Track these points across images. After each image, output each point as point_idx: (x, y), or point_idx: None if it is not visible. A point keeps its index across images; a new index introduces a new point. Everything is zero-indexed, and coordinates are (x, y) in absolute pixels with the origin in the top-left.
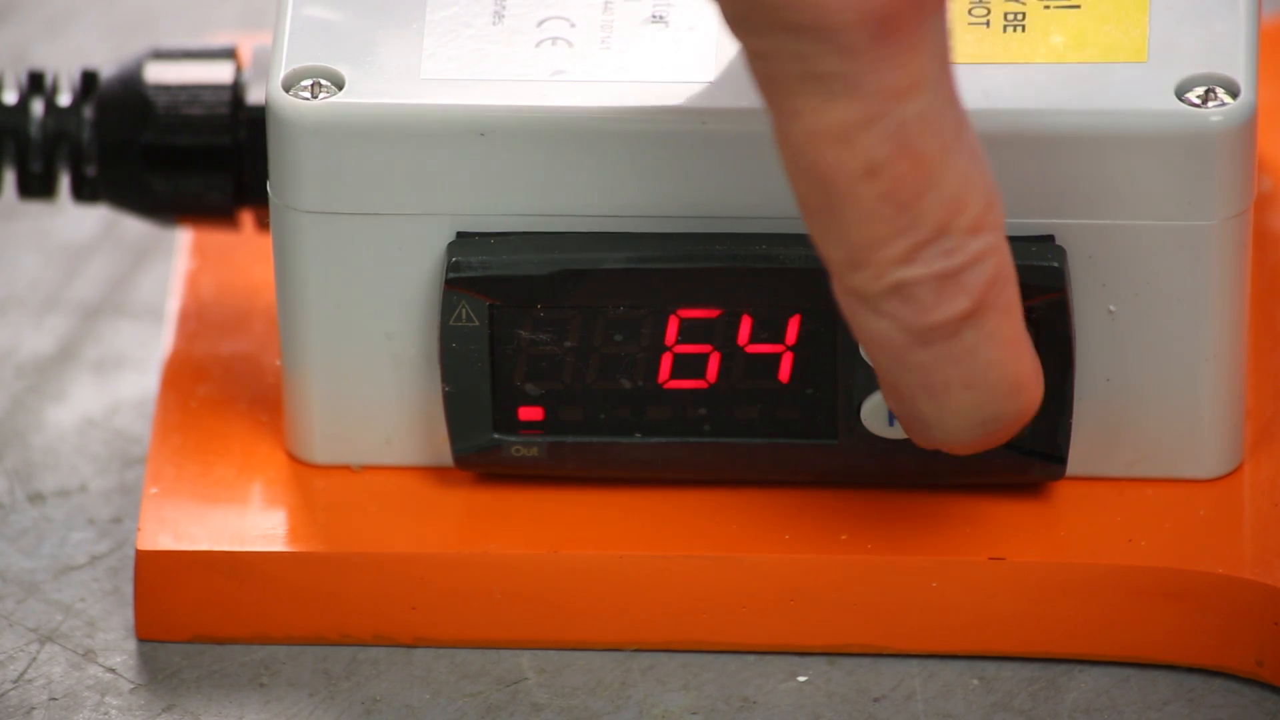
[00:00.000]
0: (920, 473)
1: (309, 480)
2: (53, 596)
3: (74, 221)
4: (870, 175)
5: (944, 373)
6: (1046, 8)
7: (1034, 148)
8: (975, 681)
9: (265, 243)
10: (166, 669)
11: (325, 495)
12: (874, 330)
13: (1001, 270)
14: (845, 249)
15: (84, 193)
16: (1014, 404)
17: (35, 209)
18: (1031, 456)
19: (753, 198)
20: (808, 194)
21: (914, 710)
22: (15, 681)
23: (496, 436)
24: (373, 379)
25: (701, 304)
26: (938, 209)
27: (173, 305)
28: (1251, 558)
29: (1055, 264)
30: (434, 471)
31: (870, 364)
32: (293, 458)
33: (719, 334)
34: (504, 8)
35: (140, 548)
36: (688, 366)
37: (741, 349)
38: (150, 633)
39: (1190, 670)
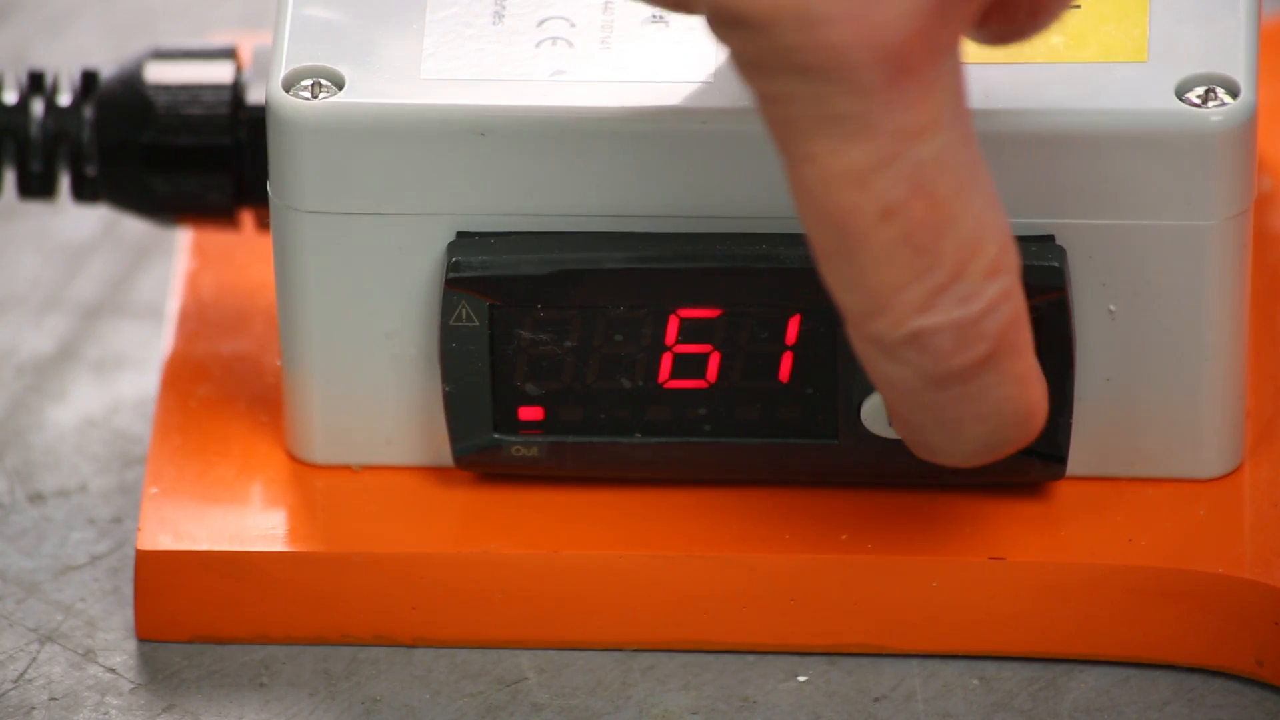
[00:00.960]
0: (920, 473)
1: (309, 480)
2: (53, 596)
3: (74, 221)
4: (886, 218)
5: (957, 409)
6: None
7: (1034, 148)
8: (975, 681)
9: (265, 243)
10: (166, 669)
11: (325, 495)
12: (890, 375)
13: (1017, 312)
14: (862, 295)
15: (84, 193)
16: (1023, 430)
17: (35, 209)
18: (1031, 456)
19: (753, 198)
20: (823, 239)
21: (914, 710)
22: (15, 681)
23: (496, 436)
24: (373, 379)
25: (701, 304)
26: (955, 251)
27: (173, 305)
28: (1251, 558)
29: (1055, 264)
30: (434, 471)
31: (882, 398)
32: (293, 458)
33: (719, 334)
34: (504, 8)
35: (140, 548)
36: (688, 366)
37: (741, 349)
38: (150, 633)
39: (1190, 670)
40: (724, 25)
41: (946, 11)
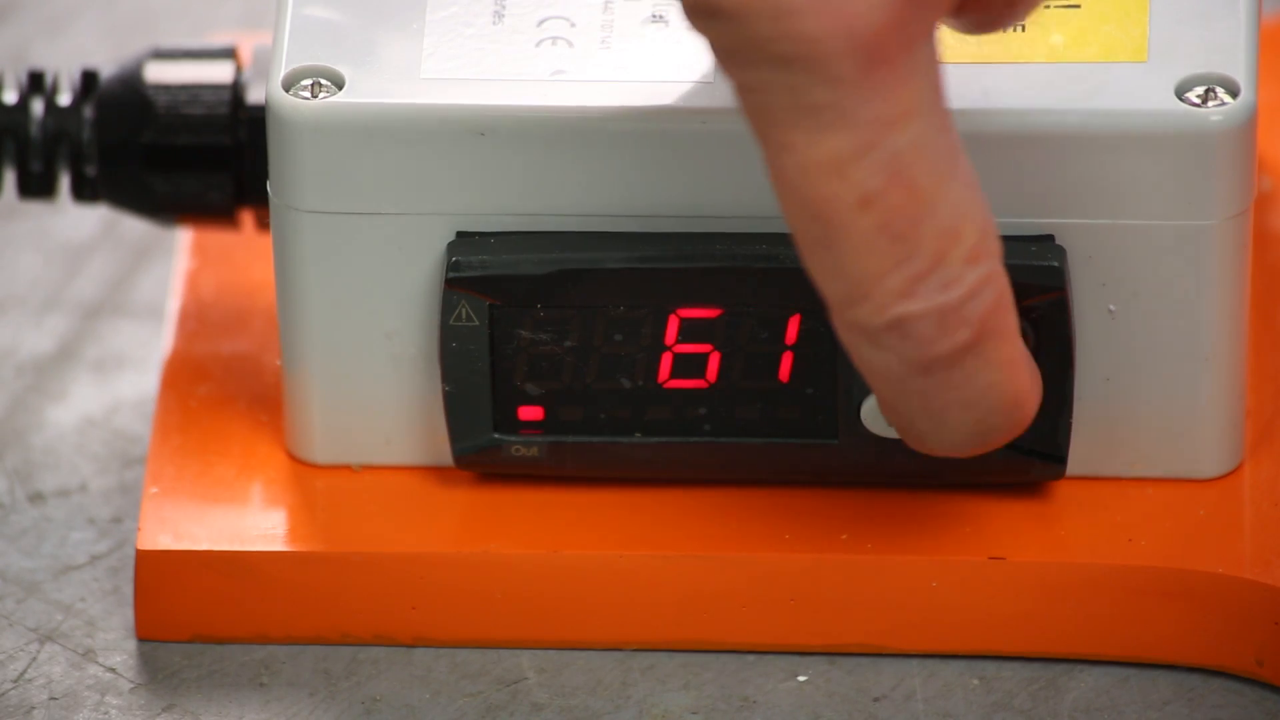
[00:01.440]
0: (920, 473)
1: (309, 480)
2: (53, 596)
3: (74, 221)
4: (865, 206)
5: (943, 396)
6: (1046, 7)
7: (1034, 148)
8: (975, 681)
9: (265, 243)
10: (166, 669)
11: (325, 495)
12: (874, 362)
13: (1000, 297)
14: (843, 283)
15: (84, 193)
16: (1012, 418)
17: (35, 209)
18: (1031, 456)
19: (753, 198)
20: (803, 228)
21: (914, 710)
22: (15, 681)
23: (496, 436)
24: (373, 379)
25: (701, 304)
26: (934, 239)
27: (173, 305)
28: (1251, 558)
29: (1055, 264)
30: (434, 471)
31: (869, 385)
32: (293, 458)
33: (719, 334)
34: (504, 7)
35: (140, 547)
36: (688, 366)
37: (741, 349)
38: (150, 632)
39: (1190, 670)
40: (699, 15)
41: (920, 1)
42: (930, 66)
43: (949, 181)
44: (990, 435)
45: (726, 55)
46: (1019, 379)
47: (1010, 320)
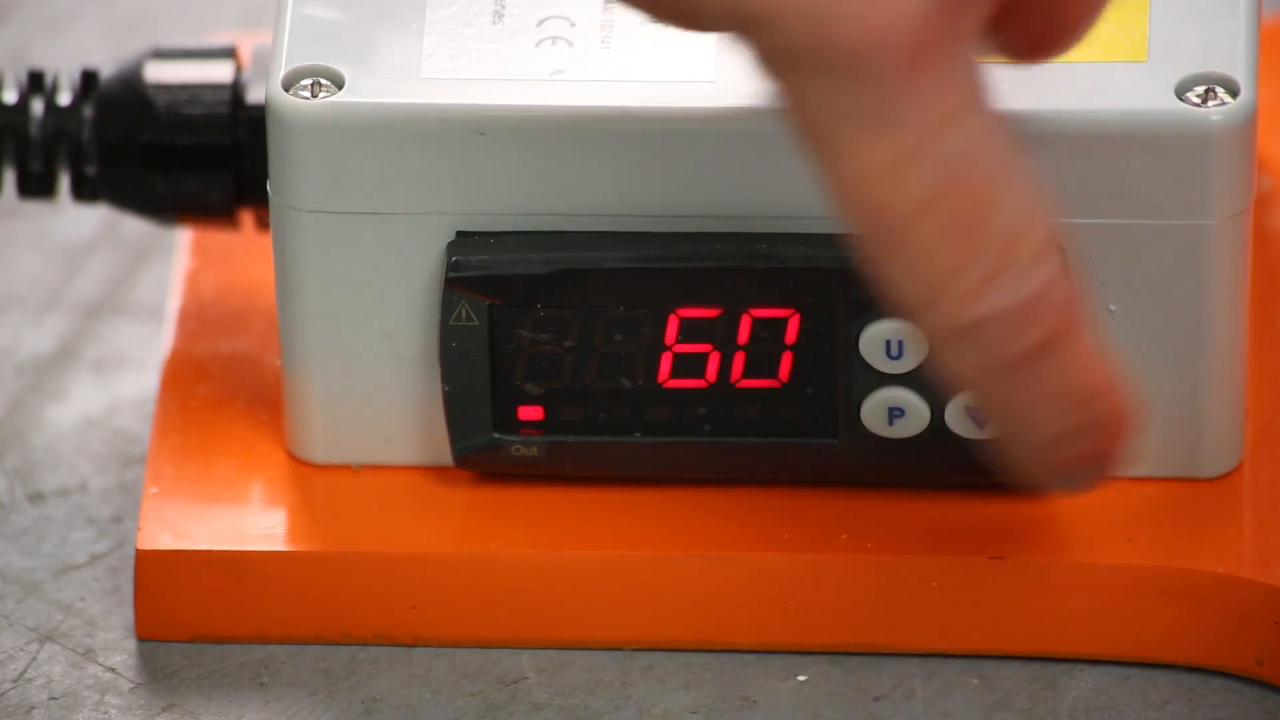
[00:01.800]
0: (920, 473)
1: (309, 480)
2: (53, 596)
3: (74, 221)
4: (924, 210)
5: (1025, 395)
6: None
7: (1034, 147)
8: (975, 681)
9: (265, 243)
10: (166, 669)
11: (325, 495)
12: (958, 365)
13: (1070, 294)
14: (914, 289)
15: (84, 192)
16: (1092, 412)
17: (35, 209)
18: None
19: (753, 198)
20: (868, 235)
21: (914, 710)
22: (15, 681)
23: (496, 436)
24: (373, 379)
25: (701, 304)
26: (998, 239)
27: (173, 305)
28: (1251, 558)
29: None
30: (434, 471)
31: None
32: (293, 457)
33: (719, 334)
34: (504, 7)
35: (140, 547)
36: (687, 366)
37: (741, 349)
38: (150, 632)
39: (1190, 670)
40: (740, 26)
41: (957, 1)
42: (973, 68)
43: (1006, 180)
44: (1079, 436)
45: (770, 65)
46: (1095, 372)
47: (1080, 315)
